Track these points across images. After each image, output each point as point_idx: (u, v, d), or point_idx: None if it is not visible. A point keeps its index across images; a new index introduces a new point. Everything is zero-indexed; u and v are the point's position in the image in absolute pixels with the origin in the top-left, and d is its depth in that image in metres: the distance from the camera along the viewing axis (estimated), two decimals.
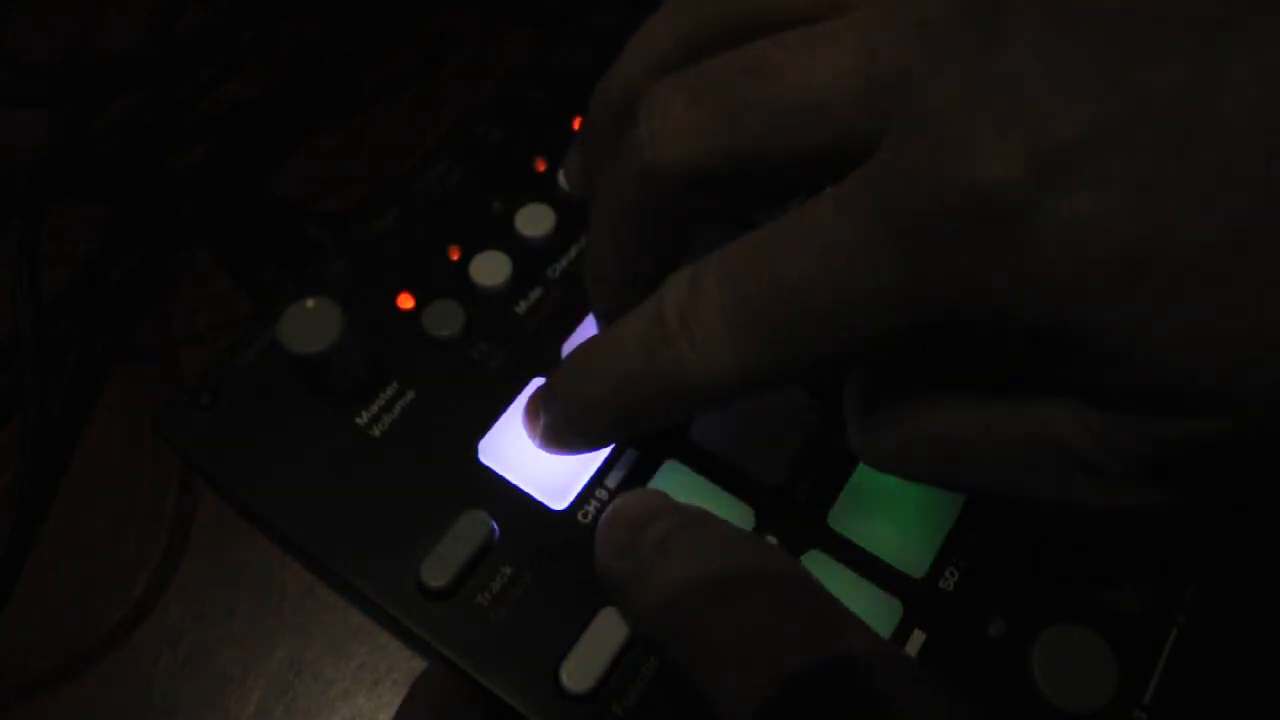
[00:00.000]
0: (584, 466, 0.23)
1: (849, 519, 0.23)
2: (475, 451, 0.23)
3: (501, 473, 0.23)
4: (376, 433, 0.23)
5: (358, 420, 0.23)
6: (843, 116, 0.16)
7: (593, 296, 0.23)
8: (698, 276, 0.18)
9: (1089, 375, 0.15)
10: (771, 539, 0.22)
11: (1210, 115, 0.13)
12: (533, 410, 0.22)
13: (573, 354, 0.21)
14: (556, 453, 0.22)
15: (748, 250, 0.17)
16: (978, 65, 0.14)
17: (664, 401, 0.19)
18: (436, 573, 0.21)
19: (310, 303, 0.22)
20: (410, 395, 0.24)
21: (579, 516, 0.22)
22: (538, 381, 0.24)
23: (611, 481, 0.23)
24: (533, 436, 0.23)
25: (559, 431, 0.22)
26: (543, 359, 0.24)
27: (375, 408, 0.23)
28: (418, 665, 0.25)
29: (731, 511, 0.23)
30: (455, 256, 0.26)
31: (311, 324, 0.22)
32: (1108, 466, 0.15)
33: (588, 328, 0.25)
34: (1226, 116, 0.12)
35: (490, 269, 0.25)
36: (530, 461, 0.23)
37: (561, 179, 0.27)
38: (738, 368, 0.17)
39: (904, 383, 0.18)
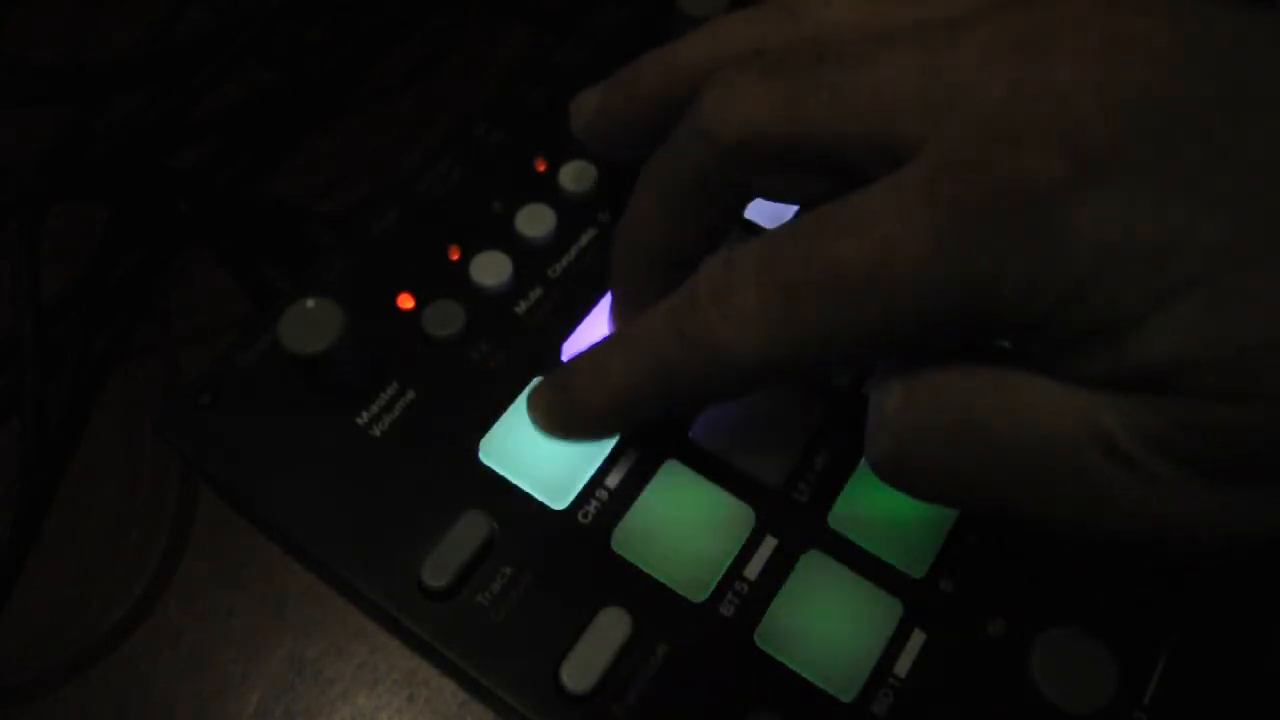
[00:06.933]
0: (584, 466, 0.23)
1: (849, 519, 0.23)
2: (475, 451, 0.23)
3: (501, 473, 0.23)
4: (376, 433, 0.23)
5: (358, 420, 0.23)
6: (899, 110, 0.17)
7: (615, 268, 0.22)
8: (736, 253, 0.18)
9: (1111, 362, 0.15)
10: (772, 539, 0.22)
11: (1231, 134, 0.14)
12: (543, 393, 0.22)
13: (598, 342, 0.21)
14: (563, 439, 0.22)
15: (789, 229, 0.18)
16: (1029, 76, 0.16)
17: (690, 379, 0.19)
18: (437, 573, 0.21)
19: (310, 303, 0.22)
20: (410, 395, 0.24)
21: (579, 516, 0.22)
22: (538, 381, 0.24)
23: (611, 481, 0.23)
24: (538, 418, 0.22)
25: (574, 415, 0.21)
26: (543, 359, 0.24)
27: (375, 408, 0.23)
28: (418, 665, 0.25)
29: (732, 511, 0.23)
30: (455, 256, 0.26)
31: (311, 324, 0.22)
32: (1134, 450, 0.16)
33: (588, 328, 0.25)
34: (1246, 137, 0.14)
35: (490, 269, 0.25)
36: (530, 461, 0.23)
37: (574, 122, 0.24)
38: (767, 341, 0.17)
39: (931, 377, 0.18)
